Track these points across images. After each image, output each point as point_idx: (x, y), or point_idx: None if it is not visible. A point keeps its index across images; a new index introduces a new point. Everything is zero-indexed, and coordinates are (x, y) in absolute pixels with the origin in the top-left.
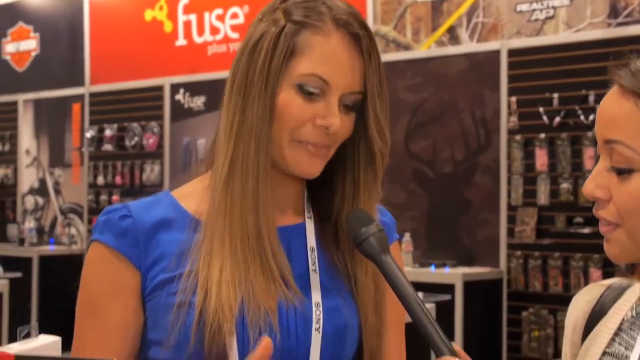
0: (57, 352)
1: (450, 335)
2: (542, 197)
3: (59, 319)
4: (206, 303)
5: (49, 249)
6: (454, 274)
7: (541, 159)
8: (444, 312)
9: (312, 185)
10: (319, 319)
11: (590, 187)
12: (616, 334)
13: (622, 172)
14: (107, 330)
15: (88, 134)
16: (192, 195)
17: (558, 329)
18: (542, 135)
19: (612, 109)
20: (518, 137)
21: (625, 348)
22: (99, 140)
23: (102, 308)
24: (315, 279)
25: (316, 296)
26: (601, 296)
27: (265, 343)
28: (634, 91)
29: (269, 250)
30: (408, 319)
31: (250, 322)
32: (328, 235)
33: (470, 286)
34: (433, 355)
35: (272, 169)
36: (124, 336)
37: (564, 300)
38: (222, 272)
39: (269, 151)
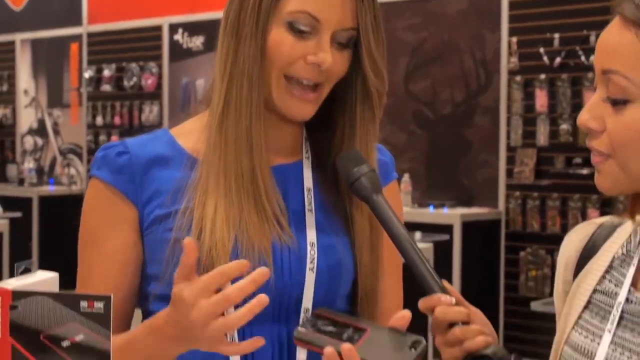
0: (55, 288)
1: (448, 275)
2: (542, 138)
3: (59, 258)
4: (200, 241)
5: (49, 189)
6: (453, 215)
7: (541, 99)
8: (442, 253)
9: (311, 125)
10: (313, 259)
11: (584, 118)
12: (607, 271)
13: (617, 103)
14: (109, 263)
15: (86, 74)
16: (190, 133)
17: (555, 268)
18: (543, 76)
19: (612, 39)
20: (518, 77)
21: (615, 285)
22: (97, 80)
23: (102, 243)
24: (310, 219)
25: (311, 236)
26: (593, 234)
27: (188, 245)
28: (634, 21)
29: (262, 190)
30: None
31: None
32: (326, 175)
33: (468, 226)
34: None
35: (268, 109)
36: (124, 270)
37: (562, 241)
38: (216, 211)
39: (262, 91)
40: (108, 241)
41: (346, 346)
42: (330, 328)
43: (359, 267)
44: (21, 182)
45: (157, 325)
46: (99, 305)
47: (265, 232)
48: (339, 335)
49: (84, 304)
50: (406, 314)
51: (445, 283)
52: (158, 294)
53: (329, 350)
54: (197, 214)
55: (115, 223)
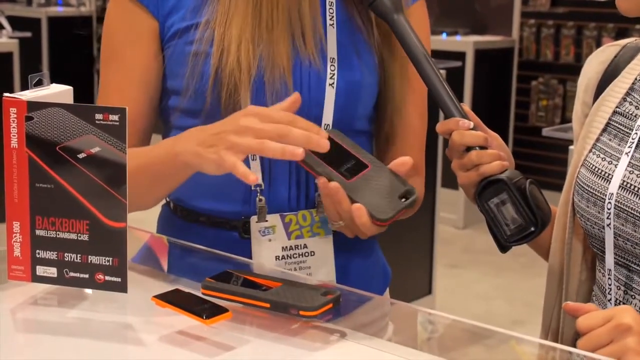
0: (70, 100)
1: None
2: None
3: (68, 81)
4: (223, 62)
5: (57, 10)
6: (466, 42)
7: None
8: (454, 79)
9: None
10: (333, 75)
11: None
12: (627, 93)
13: None
14: (130, 74)
15: None
16: None
17: (567, 98)
18: None
19: None
20: None
21: (636, 107)
22: None
23: (124, 54)
24: (332, 34)
25: (332, 52)
26: (615, 56)
27: (294, 97)
28: None
29: (303, 1)
30: None
31: (268, 81)
32: None
33: (481, 54)
34: (442, 117)
35: None
36: (144, 83)
37: (575, 70)
38: (242, 31)
39: None
40: (128, 54)
41: (333, 184)
42: (333, 155)
43: (386, 85)
44: (29, 2)
45: (184, 133)
46: (114, 118)
47: (289, 51)
48: (339, 165)
49: (98, 116)
50: (407, 161)
51: (464, 107)
52: (182, 107)
53: (321, 180)
54: (219, 29)
55: (136, 34)
